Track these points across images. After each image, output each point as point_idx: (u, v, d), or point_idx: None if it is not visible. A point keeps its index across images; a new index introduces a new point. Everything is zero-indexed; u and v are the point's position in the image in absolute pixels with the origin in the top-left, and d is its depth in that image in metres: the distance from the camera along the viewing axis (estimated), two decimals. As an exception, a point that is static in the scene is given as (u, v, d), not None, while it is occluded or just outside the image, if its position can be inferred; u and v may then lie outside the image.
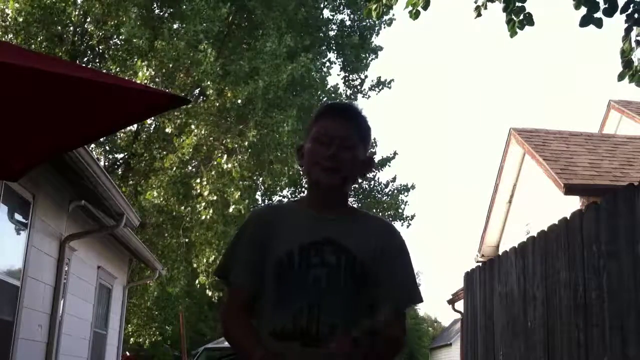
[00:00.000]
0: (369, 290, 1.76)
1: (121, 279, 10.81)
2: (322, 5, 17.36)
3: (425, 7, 5.81)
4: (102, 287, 9.40)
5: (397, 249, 1.86)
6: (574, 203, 9.13)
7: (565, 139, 11.61)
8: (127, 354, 16.13)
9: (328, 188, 1.80)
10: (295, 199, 13.82)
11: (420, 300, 1.86)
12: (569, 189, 9.55)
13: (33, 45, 13.80)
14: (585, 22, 5.20)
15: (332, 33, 18.22)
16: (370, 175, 19.33)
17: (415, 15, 5.80)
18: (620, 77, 5.73)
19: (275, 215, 1.89)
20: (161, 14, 15.65)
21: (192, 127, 13.07)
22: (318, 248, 1.77)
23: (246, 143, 12.71)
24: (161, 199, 13.14)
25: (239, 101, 12.86)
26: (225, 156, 12.81)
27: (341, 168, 1.79)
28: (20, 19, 13.60)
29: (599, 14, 5.20)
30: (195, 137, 12.86)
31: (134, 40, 13.18)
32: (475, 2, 6.05)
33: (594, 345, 4.25)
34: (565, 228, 4.87)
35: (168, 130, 13.59)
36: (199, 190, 12.75)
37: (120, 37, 14.64)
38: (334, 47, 18.24)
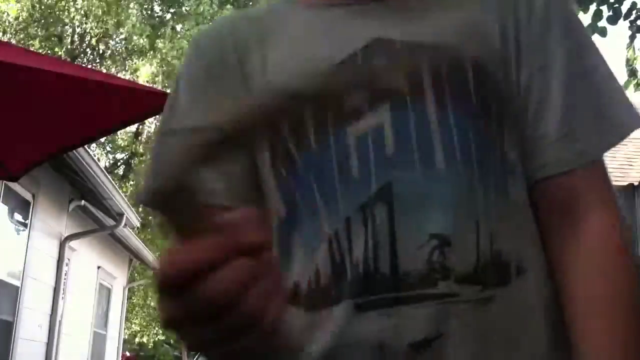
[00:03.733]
0: (507, 130, 0.73)
1: (121, 279, 10.80)
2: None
3: None
4: (102, 287, 9.40)
5: (556, 16, 0.76)
6: (574, 203, 9.12)
7: (565, 139, 11.61)
8: (127, 354, 16.13)
9: None
10: None
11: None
12: (569, 189, 9.54)
13: (32, 46, 13.78)
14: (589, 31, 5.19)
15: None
16: None
17: None
18: (625, 86, 5.72)
19: (248, 31, 0.81)
20: (161, 13, 15.66)
21: None
22: (363, 65, 0.72)
23: None
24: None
25: None
26: None
27: None
28: (19, 20, 13.59)
29: (602, 22, 5.19)
30: None
31: (135, 38, 13.19)
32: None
33: (594, 345, 4.25)
34: (566, 228, 4.87)
35: None
36: None
37: (120, 36, 14.63)
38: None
